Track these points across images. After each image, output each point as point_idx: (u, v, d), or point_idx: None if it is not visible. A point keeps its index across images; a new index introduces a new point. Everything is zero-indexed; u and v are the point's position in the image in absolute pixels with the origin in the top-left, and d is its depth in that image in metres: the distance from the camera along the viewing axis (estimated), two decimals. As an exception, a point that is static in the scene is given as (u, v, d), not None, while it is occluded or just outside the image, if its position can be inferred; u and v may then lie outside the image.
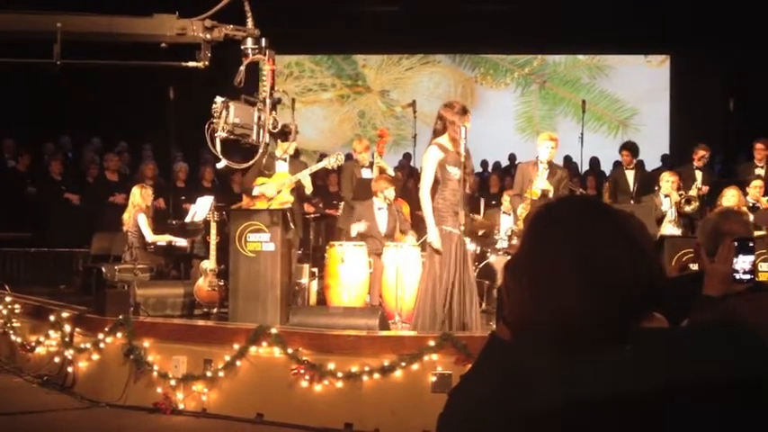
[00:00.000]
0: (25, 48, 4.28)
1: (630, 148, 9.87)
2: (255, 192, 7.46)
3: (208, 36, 4.24)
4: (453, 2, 14.83)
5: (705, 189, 9.01)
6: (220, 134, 4.19)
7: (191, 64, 4.27)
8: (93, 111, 13.40)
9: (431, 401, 5.39)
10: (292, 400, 5.86)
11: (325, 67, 16.76)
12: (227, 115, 4.20)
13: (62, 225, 10.72)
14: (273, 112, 4.32)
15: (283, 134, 4.50)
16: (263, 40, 4.33)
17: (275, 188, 7.44)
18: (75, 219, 10.77)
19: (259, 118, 4.28)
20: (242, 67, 4.31)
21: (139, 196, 8.39)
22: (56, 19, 4.12)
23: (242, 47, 4.37)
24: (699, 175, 9.21)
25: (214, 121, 4.22)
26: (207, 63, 4.27)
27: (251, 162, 4.76)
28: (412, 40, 15.48)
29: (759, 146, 9.58)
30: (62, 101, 12.86)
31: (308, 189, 7.65)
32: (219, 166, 4.52)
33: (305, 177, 7.50)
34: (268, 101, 4.29)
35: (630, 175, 9.64)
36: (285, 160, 7.66)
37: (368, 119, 16.54)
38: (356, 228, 7.74)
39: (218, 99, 4.23)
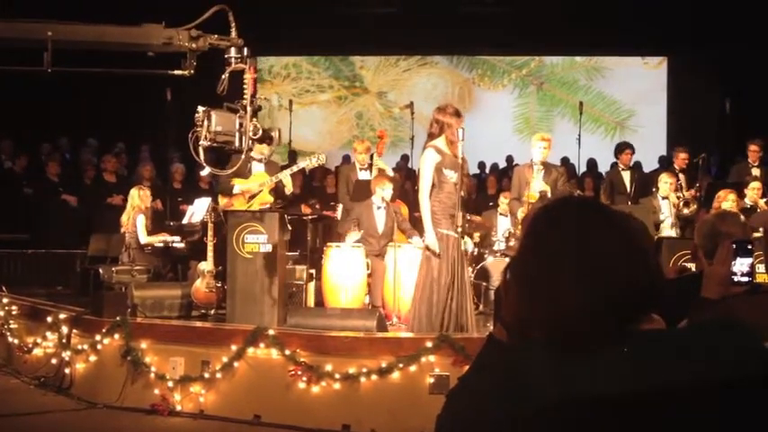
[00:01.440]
0: (22, 54, 4.39)
1: (632, 146, 9.92)
2: (236, 190, 7.50)
3: (193, 45, 4.42)
4: (451, 3, 14.85)
5: (691, 192, 9.05)
6: (203, 143, 4.36)
7: (177, 72, 4.44)
8: (91, 112, 13.39)
9: (428, 403, 5.38)
10: (290, 402, 5.85)
11: (323, 69, 16.76)
12: (209, 124, 4.38)
13: (59, 226, 10.71)
14: (254, 119, 4.49)
15: (268, 138, 4.67)
16: (245, 49, 4.50)
17: (256, 187, 7.48)
18: (72, 220, 10.76)
19: (241, 125, 4.44)
20: (224, 75, 4.47)
21: (138, 198, 8.40)
22: (46, 27, 4.27)
23: (225, 56, 4.52)
24: (681, 177, 9.26)
25: (197, 129, 4.38)
26: (192, 71, 4.44)
27: (233, 168, 4.92)
28: (409, 41, 15.49)
29: (753, 147, 9.63)
30: (59, 102, 12.86)
31: (288, 189, 7.68)
32: (203, 173, 4.65)
33: (286, 177, 7.55)
34: (249, 108, 4.45)
35: (627, 175, 9.66)
36: (261, 161, 7.69)
37: (365, 120, 16.55)
38: (352, 237, 7.75)
39: (200, 108, 4.40)
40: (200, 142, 4.37)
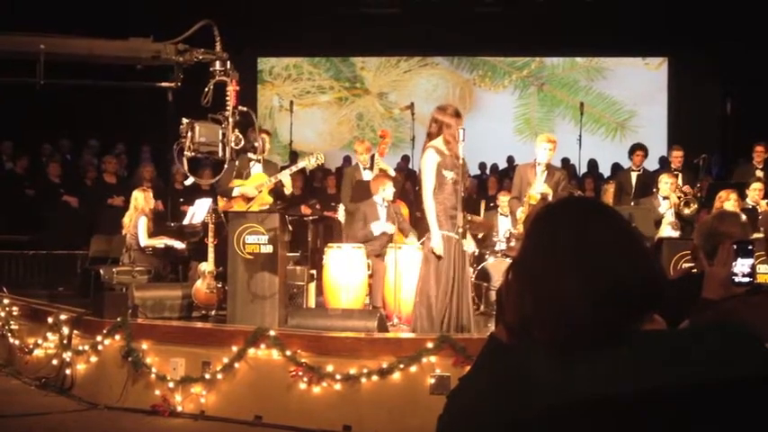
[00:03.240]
0: (14, 64, 4.60)
1: (645, 148, 9.94)
2: (235, 192, 7.49)
3: (180, 59, 4.74)
4: (451, 4, 14.85)
5: (687, 188, 9.07)
6: (187, 154, 4.61)
7: (164, 84, 4.65)
8: (92, 113, 13.40)
9: (429, 403, 5.39)
10: (291, 403, 5.86)
11: (324, 70, 16.75)
12: (193, 135, 4.60)
13: (60, 227, 10.71)
14: (236, 130, 4.71)
15: (252, 148, 4.88)
16: (229, 62, 4.73)
17: (253, 189, 7.48)
18: (73, 221, 10.76)
19: (224, 135, 4.65)
20: (207, 88, 4.69)
21: (142, 200, 8.36)
22: (39, 41, 4.51)
23: (211, 69, 4.75)
24: (678, 176, 9.28)
25: (182, 140, 4.61)
26: (179, 84, 4.64)
27: (217, 178, 5.14)
28: (410, 42, 15.49)
29: (759, 148, 9.65)
30: (60, 103, 12.86)
31: (288, 189, 7.68)
32: (187, 183, 4.92)
33: (285, 177, 7.55)
34: (231, 119, 4.67)
35: (635, 176, 9.70)
36: (259, 161, 7.70)
37: (366, 121, 16.54)
38: (379, 227, 7.72)
39: (184, 120, 4.63)
40: (185, 153, 4.58)
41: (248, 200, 7.48)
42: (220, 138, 4.63)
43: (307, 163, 7.78)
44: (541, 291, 1.35)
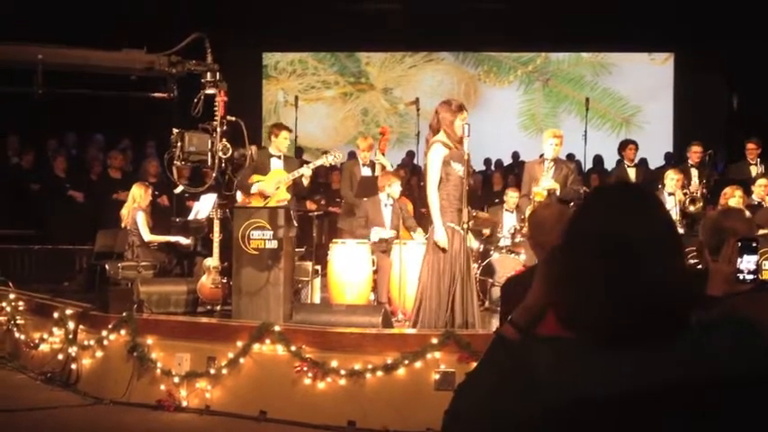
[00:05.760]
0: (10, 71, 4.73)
1: (635, 142, 9.97)
2: (253, 189, 7.50)
3: (173, 70, 4.90)
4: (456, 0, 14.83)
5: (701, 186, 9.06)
6: (177, 163, 4.77)
7: (158, 95, 4.76)
8: (97, 108, 13.40)
9: (434, 399, 5.39)
10: (295, 398, 5.87)
11: (329, 65, 16.74)
12: (183, 145, 4.73)
13: (66, 222, 10.73)
14: (224, 139, 4.86)
15: (242, 158, 4.99)
16: (218, 74, 4.88)
17: (273, 185, 7.48)
18: (78, 216, 10.78)
19: (213, 144, 4.79)
20: (197, 98, 4.85)
21: (140, 195, 8.35)
22: (37, 51, 4.67)
23: (202, 80, 4.89)
24: (695, 172, 9.25)
25: (172, 150, 4.77)
26: (173, 95, 4.73)
27: (206, 186, 5.27)
28: (415, 37, 15.47)
29: (751, 145, 9.66)
30: (66, 98, 12.86)
31: (306, 180, 7.72)
32: (177, 191, 5.13)
33: (307, 171, 7.57)
34: (219, 129, 4.82)
35: (632, 172, 9.68)
36: (279, 158, 7.71)
37: (371, 116, 16.53)
38: (377, 233, 7.71)
39: (175, 130, 4.76)
40: (175, 162, 4.72)
41: (266, 196, 7.49)
42: (209, 147, 4.74)
43: (324, 160, 7.81)
44: (570, 270, 1.34)
